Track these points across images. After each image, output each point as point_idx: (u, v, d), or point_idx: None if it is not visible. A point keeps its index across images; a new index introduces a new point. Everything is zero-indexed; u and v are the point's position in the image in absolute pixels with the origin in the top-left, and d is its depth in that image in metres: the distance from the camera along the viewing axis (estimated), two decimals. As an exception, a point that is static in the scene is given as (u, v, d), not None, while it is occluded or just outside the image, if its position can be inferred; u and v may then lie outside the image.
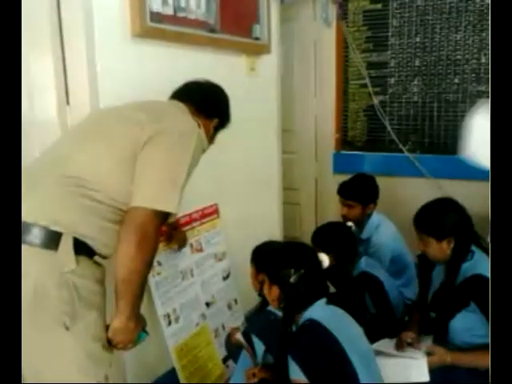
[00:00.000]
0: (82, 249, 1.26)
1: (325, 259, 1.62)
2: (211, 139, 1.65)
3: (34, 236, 1.21)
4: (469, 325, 1.74)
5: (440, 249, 1.81)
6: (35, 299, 1.19)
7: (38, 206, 1.25)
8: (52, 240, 1.22)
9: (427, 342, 1.86)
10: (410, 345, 1.85)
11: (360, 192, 2.60)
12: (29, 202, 1.24)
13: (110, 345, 1.32)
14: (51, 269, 1.22)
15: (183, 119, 1.44)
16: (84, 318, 1.26)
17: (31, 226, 1.21)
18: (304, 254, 1.61)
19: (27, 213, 1.22)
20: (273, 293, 1.56)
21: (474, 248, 1.82)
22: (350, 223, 2.36)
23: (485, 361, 1.67)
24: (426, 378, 1.72)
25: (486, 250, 1.83)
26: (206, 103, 1.59)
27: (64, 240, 1.22)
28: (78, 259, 1.24)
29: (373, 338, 1.91)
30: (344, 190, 2.64)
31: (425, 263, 1.99)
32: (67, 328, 1.23)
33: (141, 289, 1.29)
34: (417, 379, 1.73)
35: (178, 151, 1.33)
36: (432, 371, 1.73)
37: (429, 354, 1.79)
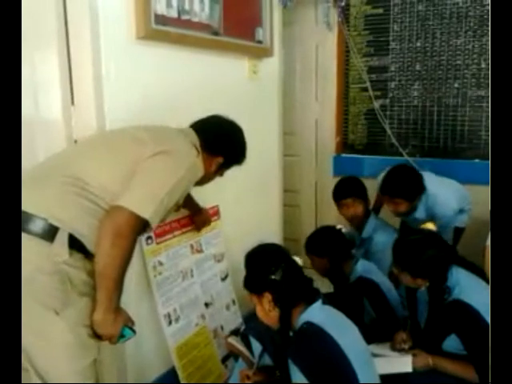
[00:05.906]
0: (75, 244, 1.34)
1: (297, 260, 1.61)
2: (218, 173, 1.74)
3: (34, 226, 1.30)
4: (459, 345, 1.73)
5: (415, 283, 1.81)
6: (29, 285, 1.27)
7: (41, 201, 1.34)
8: (49, 233, 1.31)
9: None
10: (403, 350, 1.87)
11: (354, 189, 2.69)
12: (33, 195, 1.34)
13: (95, 336, 1.40)
14: (46, 258, 1.30)
15: (181, 144, 1.53)
16: (75, 305, 1.34)
17: (33, 217, 1.30)
18: (277, 251, 1.66)
19: (31, 205, 1.31)
20: (265, 301, 1.51)
21: (458, 271, 1.79)
22: (339, 226, 2.38)
23: (467, 373, 1.68)
24: (409, 369, 1.74)
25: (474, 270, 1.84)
26: (211, 140, 1.65)
27: (60, 234, 1.31)
28: (71, 252, 1.33)
29: (375, 341, 1.93)
30: (337, 192, 2.71)
31: None
32: (57, 313, 1.31)
33: (116, 283, 1.35)
34: (400, 370, 1.75)
35: (166, 169, 1.44)
36: (419, 374, 1.74)
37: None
